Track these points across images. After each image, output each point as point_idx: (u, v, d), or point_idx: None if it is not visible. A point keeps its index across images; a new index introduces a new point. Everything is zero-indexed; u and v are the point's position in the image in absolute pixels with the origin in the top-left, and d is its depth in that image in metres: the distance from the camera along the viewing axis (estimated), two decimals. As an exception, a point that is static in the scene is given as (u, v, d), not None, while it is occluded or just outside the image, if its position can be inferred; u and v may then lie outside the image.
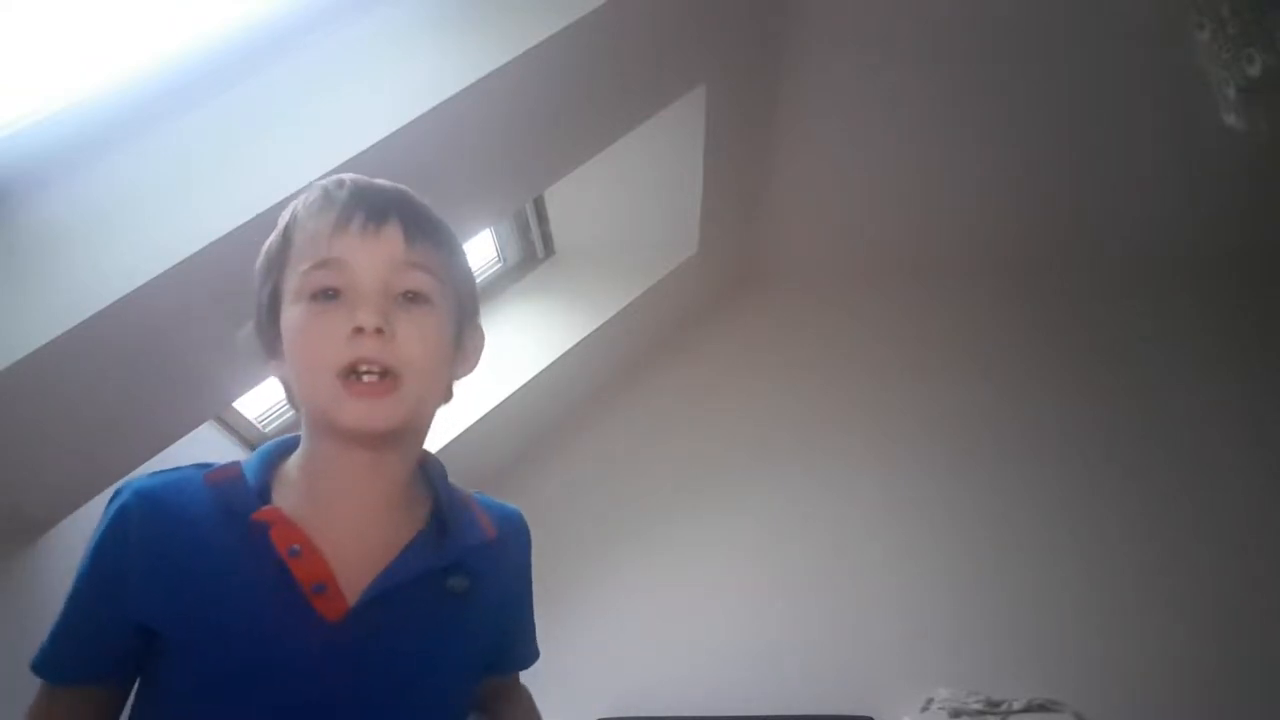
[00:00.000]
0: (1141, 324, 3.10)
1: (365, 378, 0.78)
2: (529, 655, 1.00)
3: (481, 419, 2.51)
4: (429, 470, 0.89)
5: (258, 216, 1.39)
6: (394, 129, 1.50)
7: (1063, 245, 3.08)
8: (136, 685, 0.83)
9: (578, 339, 2.66)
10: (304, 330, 0.80)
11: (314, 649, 0.77)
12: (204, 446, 2.02)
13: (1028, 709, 2.54)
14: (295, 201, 0.86)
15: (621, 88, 1.98)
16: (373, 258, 0.80)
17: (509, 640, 0.96)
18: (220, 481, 0.83)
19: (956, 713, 2.52)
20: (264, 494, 0.82)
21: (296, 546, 0.78)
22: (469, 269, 0.91)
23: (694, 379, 3.10)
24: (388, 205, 0.83)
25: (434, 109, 1.53)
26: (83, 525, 1.64)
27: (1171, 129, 2.47)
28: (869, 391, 3.06)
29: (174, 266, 1.34)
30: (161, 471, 0.85)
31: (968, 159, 2.67)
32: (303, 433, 0.85)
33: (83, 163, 1.36)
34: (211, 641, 0.77)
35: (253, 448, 2.25)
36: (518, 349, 2.63)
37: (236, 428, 2.22)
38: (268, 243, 0.86)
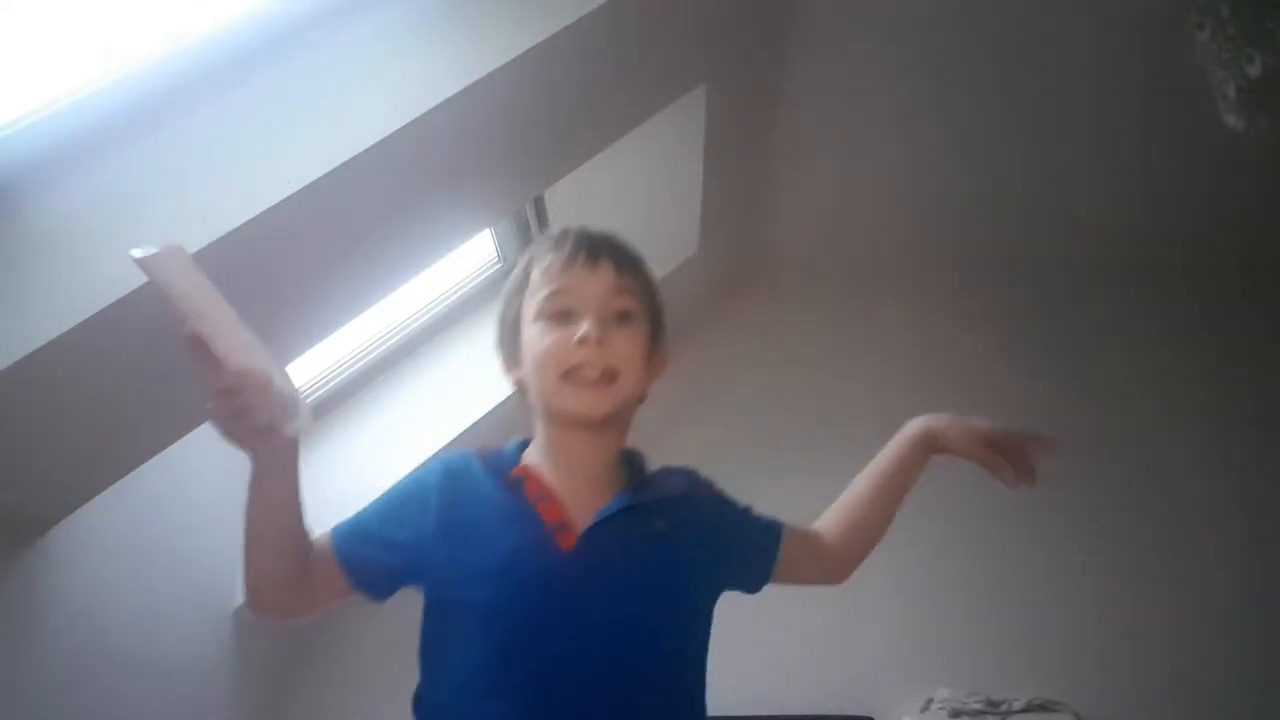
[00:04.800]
0: (1144, 324, 3.11)
1: (588, 373, 1.05)
2: (765, 557, 1.29)
3: (482, 418, 2.50)
4: (633, 457, 1.17)
5: (259, 214, 1.39)
6: (394, 128, 1.50)
7: (1065, 245, 3.08)
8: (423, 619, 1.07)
9: (578, 339, 2.66)
10: (540, 342, 1.07)
11: (555, 571, 1.00)
12: (204, 446, 2.01)
13: (1028, 709, 2.54)
14: (531, 246, 1.17)
15: (621, 88, 1.98)
16: (593, 287, 1.09)
17: (735, 556, 1.23)
18: (486, 455, 1.11)
19: (956, 713, 2.52)
20: (517, 465, 1.10)
21: (543, 495, 1.05)
22: (659, 296, 1.20)
23: (694, 379, 3.09)
24: (602, 246, 1.13)
25: (434, 109, 1.53)
26: (83, 525, 1.63)
27: (1173, 129, 2.47)
28: (869, 391, 3.05)
29: (175, 266, 1.34)
30: (455, 452, 1.13)
31: (969, 159, 2.68)
32: (538, 427, 1.12)
33: (84, 162, 1.36)
34: (474, 564, 1.01)
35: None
36: (518, 349, 2.62)
37: (237, 427, 2.21)
38: (510, 277, 1.17)
